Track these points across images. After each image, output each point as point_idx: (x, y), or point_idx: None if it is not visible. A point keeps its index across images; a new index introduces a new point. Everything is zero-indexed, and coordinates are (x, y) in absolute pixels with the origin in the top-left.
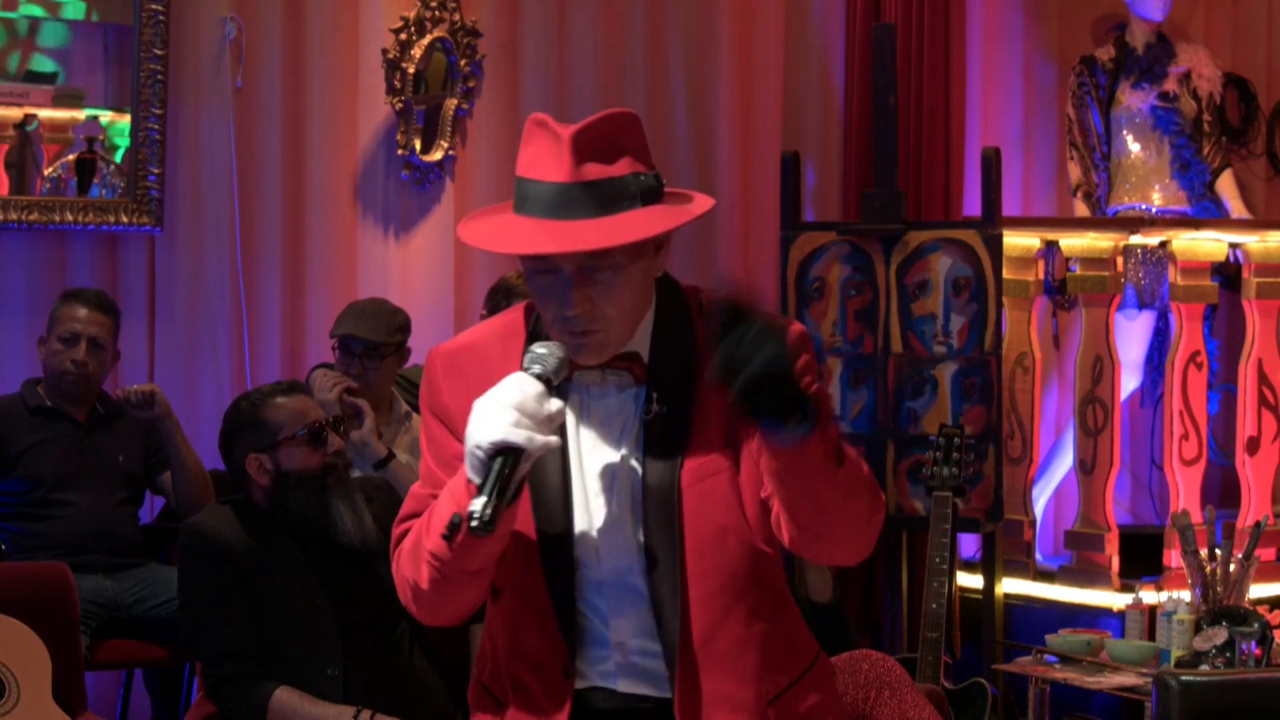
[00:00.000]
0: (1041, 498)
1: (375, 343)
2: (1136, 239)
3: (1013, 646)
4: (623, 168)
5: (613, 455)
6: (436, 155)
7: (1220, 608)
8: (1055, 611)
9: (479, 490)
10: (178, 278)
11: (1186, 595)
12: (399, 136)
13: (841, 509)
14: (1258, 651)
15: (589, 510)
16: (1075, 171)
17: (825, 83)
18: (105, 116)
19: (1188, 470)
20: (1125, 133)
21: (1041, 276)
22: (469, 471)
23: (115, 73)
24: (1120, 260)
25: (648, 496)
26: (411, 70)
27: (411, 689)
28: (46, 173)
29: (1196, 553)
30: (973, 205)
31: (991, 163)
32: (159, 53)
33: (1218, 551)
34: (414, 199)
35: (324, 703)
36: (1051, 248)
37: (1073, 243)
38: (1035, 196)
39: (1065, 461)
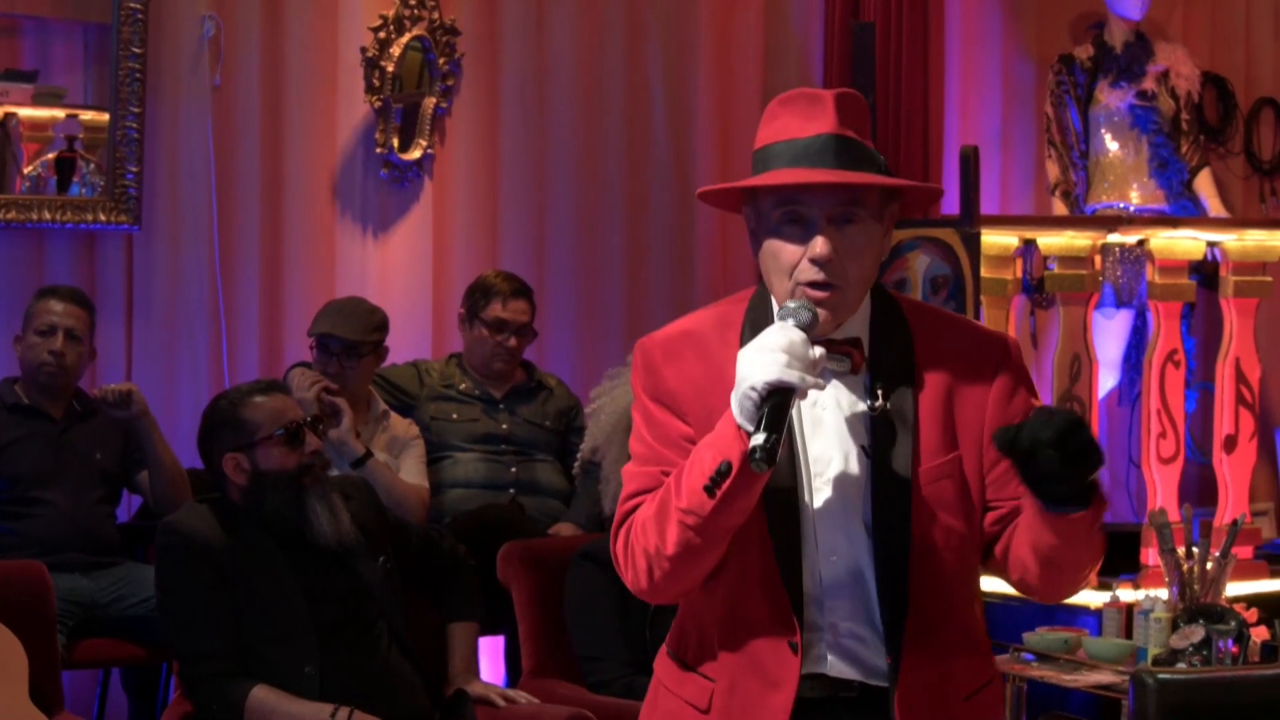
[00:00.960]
0: None
1: (353, 341)
2: (1114, 237)
3: (990, 644)
4: (868, 141)
5: (837, 443)
6: (415, 154)
7: (1197, 606)
8: (1032, 609)
9: (758, 428)
10: (156, 276)
11: (1163, 593)
12: (377, 135)
13: (1079, 572)
14: (1234, 649)
15: (812, 491)
16: (1053, 170)
17: (804, 81)
18: (85, 115)
19: (1165, 468)
20: (1103, 131)
21: (1019, 275)
22: (739, 417)
23: (94, 71)
24: (1098, 259)
25: (879, 489)
26: (390, 69)
27: (389, 687)
28: (26, 171)
29: (1174, 551)
30: (951, 204)
31: (970, 161)
32: (137, 51)
33: (1195, 550)
34: (392, 198)
35: (302, 700)
36: (1029, 246)
37: (1051, 241)
38: (1013, 195)
39: None
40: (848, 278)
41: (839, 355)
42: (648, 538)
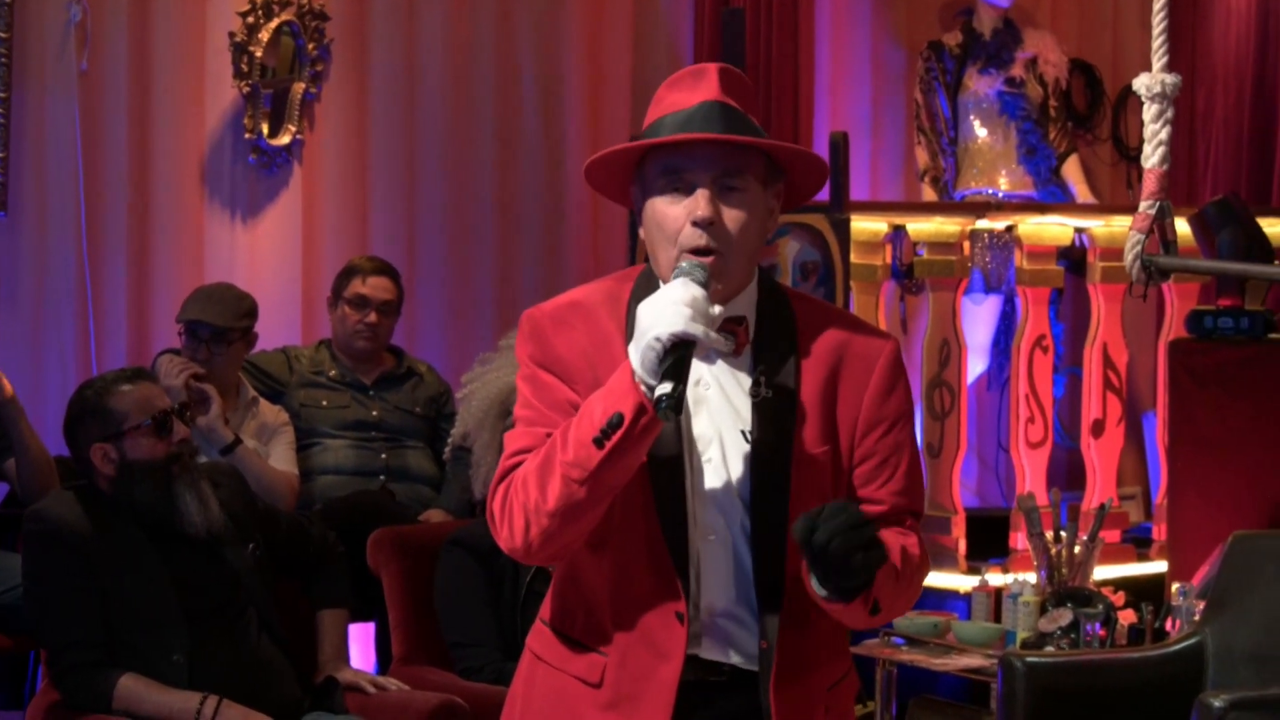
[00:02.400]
0: None
1: (222, 328)
2: (983, 223)
3: (860, 629)
4: (753, 115)
5: (718, 423)
6: (284, 139)
7: (1065, 589)
8: None
9: (662, 379)
10: (22, 262)
11: (1032, 577)
12: (246, 120)
13: (872, 624)
14: (1101, 633)
15: (693, 469)
16: (922, 156)
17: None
18: None
19: (1033, 453)
20: (972, 118)
21: (889, 261)
22: (641, 368)
23: None
24: (967, 245)
25: (757, 473)
26: (259, 54)
27: (258, 675)
28: None
29: (1042, 535)
30: (820, 190)
31: (839, 147)
32: (3, 36)
33: (1063, 534)
34: (261, 183)
35: (170, 689)
36: (899, 232)
37: (920, 227)
38: (883, 181)
39: None
40: (731, 244)
41: (724, 332)
42: (528, 493)
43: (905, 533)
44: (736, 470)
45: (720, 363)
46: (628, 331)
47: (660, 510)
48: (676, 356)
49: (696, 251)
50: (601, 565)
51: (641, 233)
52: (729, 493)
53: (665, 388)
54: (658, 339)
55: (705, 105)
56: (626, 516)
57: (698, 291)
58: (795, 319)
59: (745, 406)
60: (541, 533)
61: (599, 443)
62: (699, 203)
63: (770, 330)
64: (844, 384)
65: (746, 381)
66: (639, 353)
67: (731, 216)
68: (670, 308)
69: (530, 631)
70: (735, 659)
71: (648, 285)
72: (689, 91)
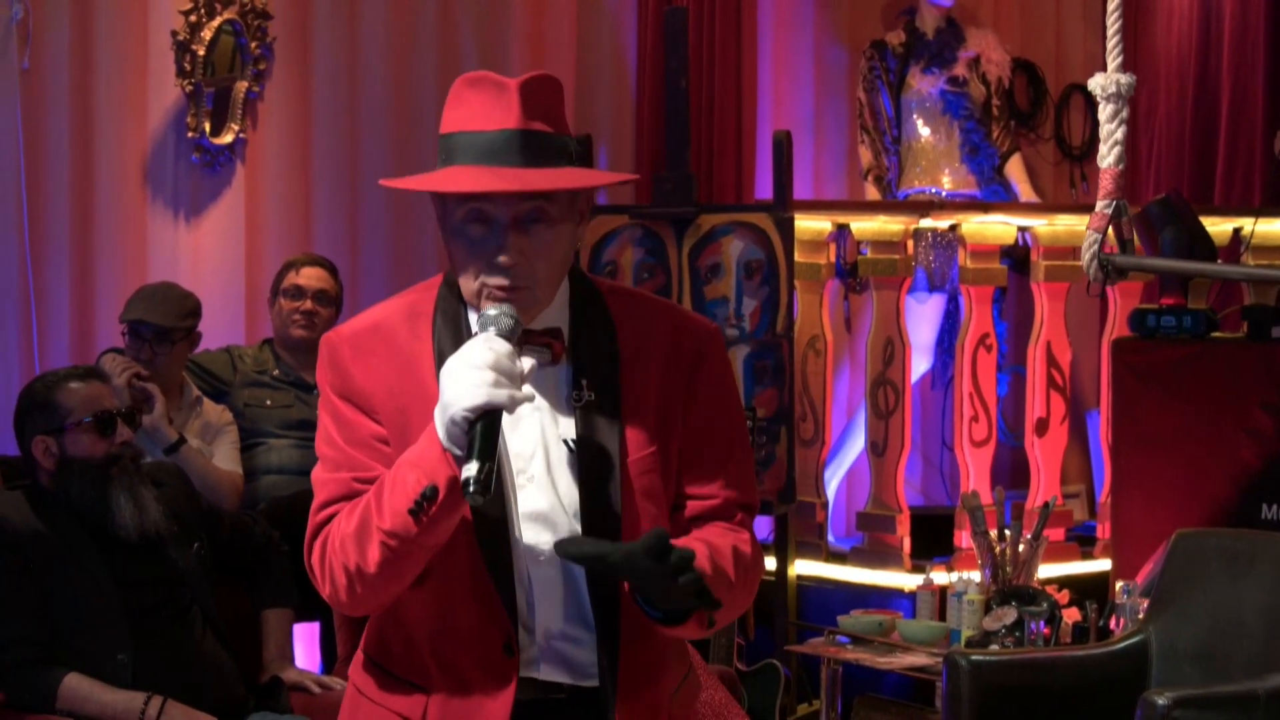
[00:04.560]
0: (834, 480)
1: (165, 327)
2: (927, 222)
3: (805, 628)
4: (563, 130)
5: (540, 436)
6: (227, 138)
7: (1009, 588)
8: (847, 592)
9: (469, 456)
10: None
11: (976, 576)
12: (189, 119)
13: (707, 634)
14: (1046, 631)
15: (515, 489)
16: (866, 155)
17: (617, 65)
18: None
19: (978, 451)
20: (915, 117)
21: (833, 259)
22: (447, 441)
23: None
24: (911, 243)
25: (587, 483)
26: (201, 52)
27: (203, 674)
28: None
29: (986, 533)
30: (764, 188)
31: (783, 146)
32: None
33: (1007, 532)
34: (204, 182)
35: (114, 689)
36: (843, 231)
37: (864, 226)
38: (826, 180)
39: (857, 443)
40: (536, 277)
41: (538, 346)
42: (347, 554)
43: (736, 529)
44: (563, 483)
45: (537, 370)
46: (435, 347)
47: (481, 539)
48: (485, 425)
49: (501, 288)
50: (421, 598)
51: (447, 249)
52: (556, 508)
53: (472, 469)
54: (461, 413)
55: (505, 135)
56: (448, 552)
57: (501, 348)
58: (613, 317)
59: (567, 415)
60: (367, 589)
61: (415, 516)
62: (501, 251)
63: (587, 333)
64: (669, 377)
65: (567, 389)
66: (443, 427)
67: (535, 250)
68: (472, 375)
69: (352, 661)
70: (574, 679)
71: (450, 298)
72: (488, 108)
